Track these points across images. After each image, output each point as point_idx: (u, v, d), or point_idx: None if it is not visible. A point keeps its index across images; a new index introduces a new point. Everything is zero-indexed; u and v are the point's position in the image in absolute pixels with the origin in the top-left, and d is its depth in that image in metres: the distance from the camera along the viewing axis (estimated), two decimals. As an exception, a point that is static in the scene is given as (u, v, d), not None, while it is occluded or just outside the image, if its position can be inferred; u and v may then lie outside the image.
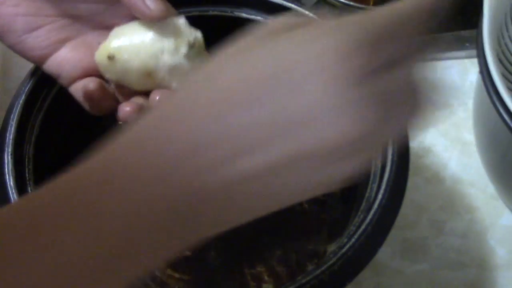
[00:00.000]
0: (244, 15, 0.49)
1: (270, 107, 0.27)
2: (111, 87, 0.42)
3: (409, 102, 0.29)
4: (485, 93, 0.43)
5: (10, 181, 0.42)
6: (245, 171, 0.27)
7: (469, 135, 0.60)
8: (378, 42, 0.28)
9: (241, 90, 0.27)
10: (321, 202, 0.46)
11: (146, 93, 0.41)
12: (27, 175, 0.43)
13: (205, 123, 0.27)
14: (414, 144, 0.59)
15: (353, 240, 0.39)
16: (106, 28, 0.41)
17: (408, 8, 0.30)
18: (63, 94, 0.47)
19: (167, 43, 0.37)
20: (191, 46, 0.38)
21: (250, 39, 0.29)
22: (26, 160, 0.44)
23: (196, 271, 0.45)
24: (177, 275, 0.43)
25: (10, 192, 0.41)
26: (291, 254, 0.44)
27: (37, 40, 0.41)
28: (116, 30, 0.39)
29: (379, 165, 0.43)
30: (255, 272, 0.43)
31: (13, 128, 0.44)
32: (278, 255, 0.44)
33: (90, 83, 0.41)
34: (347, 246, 0.39)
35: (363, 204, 0.42)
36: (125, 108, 0.41)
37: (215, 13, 0.49)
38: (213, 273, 0.45)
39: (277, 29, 0.29)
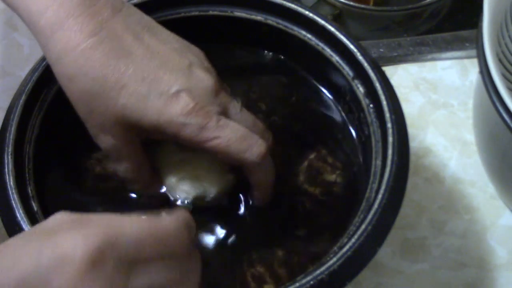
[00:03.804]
0: (244, 15, 0.49)
1: None
2: None
3: None
4: (485, 93, 0.43)
5: (10, 181, 0.42)
6: None
7: (469, 135, 0.60)
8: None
9: None
10: (320, 203, 0.46)
11: None
12: (27, 175, 0.43)
13: None
14: (414, 144, 0.59)
15: (353, 240, 0.39)
16: None
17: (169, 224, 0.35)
18: (63, 94, 0.47)
19: None
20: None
21: None
22: (26, 160, 0.44)
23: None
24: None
25: (10, 192, 0.41)
26: (293, 256, 0.44)
27: None
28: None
29: (379, 165, 0.43)
30: (256, 273, 0.43)
31: (13, 128, 0.43)
32: (280, 256, 0.44)
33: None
34: (347, 246, 0.39)
35: (363, 204, 0.42)
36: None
37: (215, 13, 0.49)
38: (214, 272, 0.45)
39: None
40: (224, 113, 0.42)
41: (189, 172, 0.45)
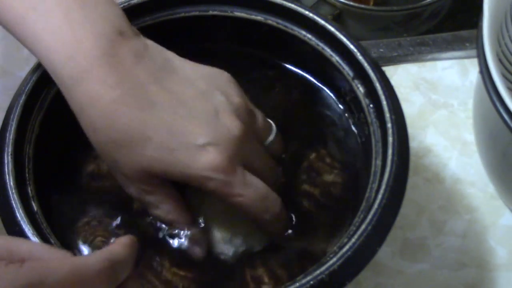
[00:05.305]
0: (244, 15, 0.49)
1: None
2: None
3: None
4: (485, 93, 0.43)
5: (10, 181, 0.42)
6: None
7: (469, 135, 0.60)
8: None
9: None
10: (320, 203, 0.46)
11: None
12: (27, 175, 0.43)
13: None
14: (414, 144, 0.59)
15: (353, 240, 0.39)
16: None
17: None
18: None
19: None
20: None
21: None
22: (26, 160, 0.44)
23: (200, 270, 0.45)
24: (181, 273, 0.43)
25: (10, 192, 0.41)
26: (293, 257, 0.44)
27: None
28: None
29: (379, 165, 0.43)
30: (256, 273, 0.43)
31: (13, 128, 0.44)
32: (280, 257, 0.44)
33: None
34: (347, 246, 0.39)
35: (363, 204, 0.42)
36: None
37: (215, 13, 0.49)
38: (216, 271, 0.45)
39: None
40: (249, 161, 0.42)
41: (242, 228, 0.44)
